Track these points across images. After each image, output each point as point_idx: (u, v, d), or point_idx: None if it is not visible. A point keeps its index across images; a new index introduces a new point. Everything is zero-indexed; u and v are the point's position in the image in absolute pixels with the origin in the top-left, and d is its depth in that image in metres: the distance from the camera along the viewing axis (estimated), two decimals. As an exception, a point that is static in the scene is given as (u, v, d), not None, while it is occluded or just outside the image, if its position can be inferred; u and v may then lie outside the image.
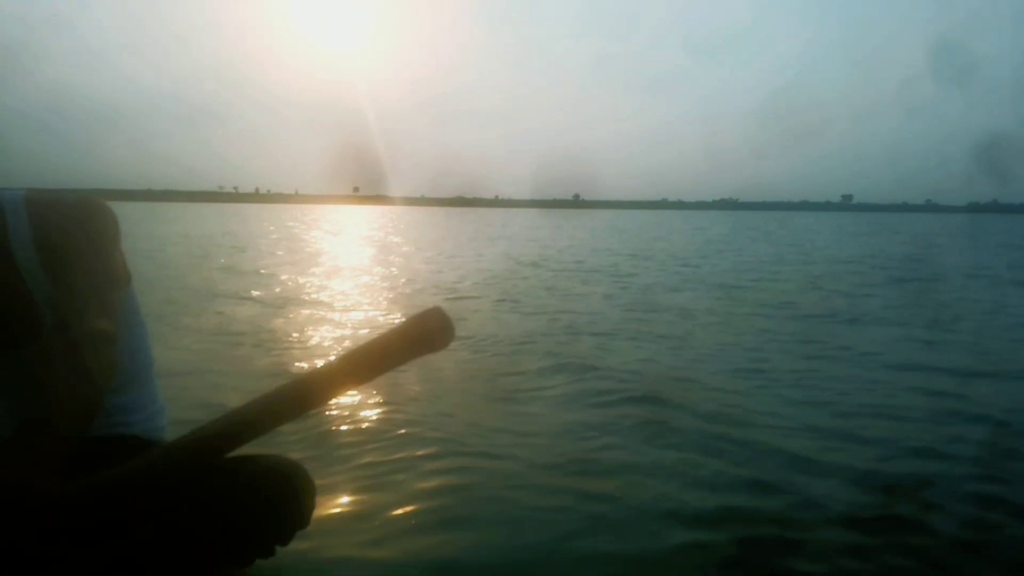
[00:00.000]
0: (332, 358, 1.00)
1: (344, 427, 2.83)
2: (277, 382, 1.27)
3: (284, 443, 2.57)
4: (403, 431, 2.79)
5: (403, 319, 1.15)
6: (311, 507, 1.35)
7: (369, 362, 1.14)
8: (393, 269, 11.91)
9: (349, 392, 0.96)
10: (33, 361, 1.24)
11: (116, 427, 1.37)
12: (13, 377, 1.28)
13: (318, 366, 1.02)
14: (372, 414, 3.01)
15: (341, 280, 9.69)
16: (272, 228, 35.64)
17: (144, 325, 1.48)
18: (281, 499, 1.29)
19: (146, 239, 21.94)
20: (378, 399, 3.20)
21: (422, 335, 1.13)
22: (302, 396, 1.16)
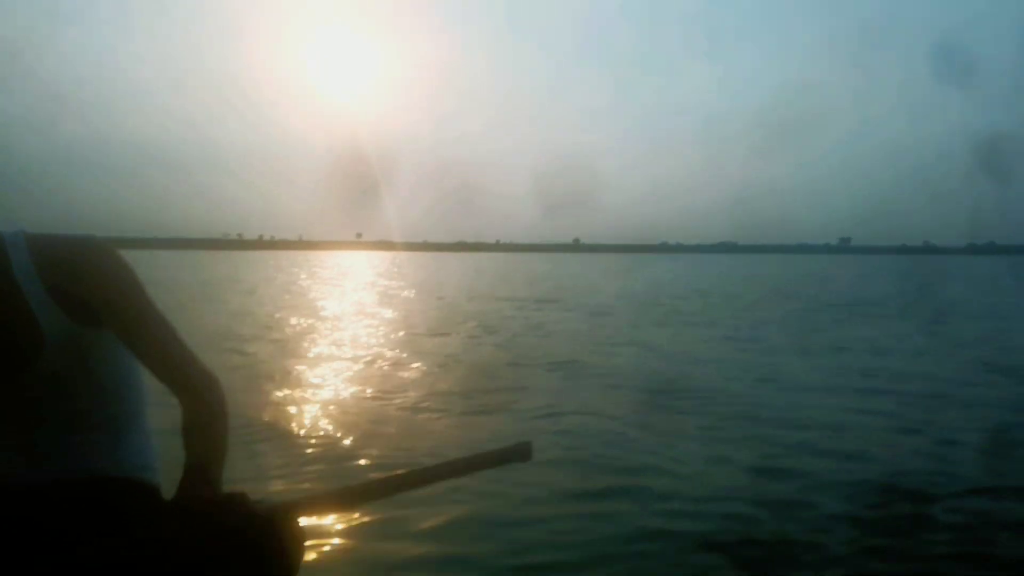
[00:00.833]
0: (442, 461, 1.44)
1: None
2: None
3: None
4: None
5: (496, 447, 1.50)
6: (301, 554, 1.34)
7: (464, 468, 1.46)
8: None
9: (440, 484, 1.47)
10: (37, 389, 1.25)
11: (110, 468, 1.34)
12: (13, 406, 1.27)
13: (429, 464, 1.43)
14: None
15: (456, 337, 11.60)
16: (302, 273, 38.15)
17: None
18: (270, 543, 1.28)
19: (207, 286, 25.04)
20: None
21: (507, 457, 1.49)
22: (413, 481, 1.42)
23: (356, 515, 3.50)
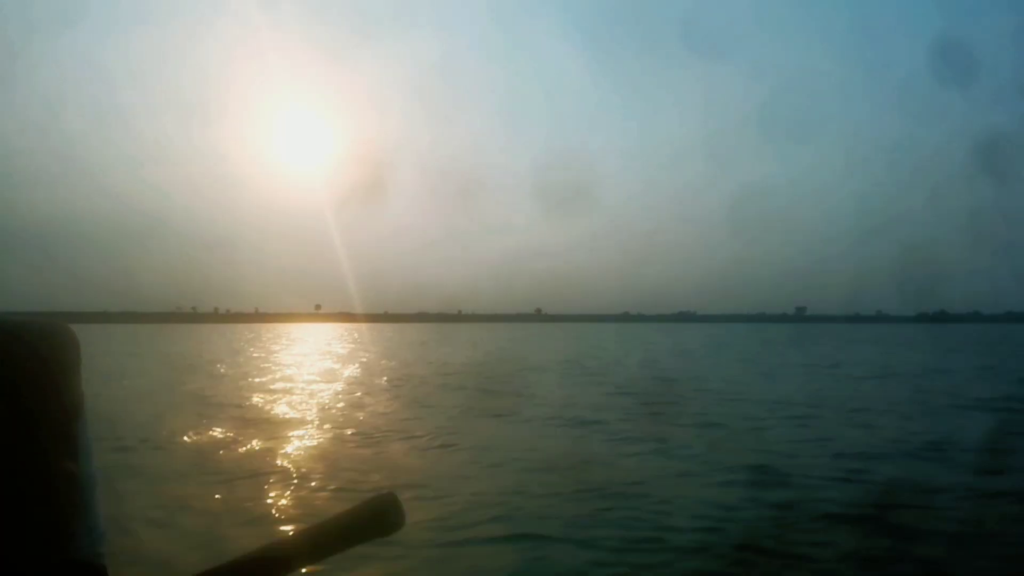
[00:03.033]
0: (286, 534, 1.14)
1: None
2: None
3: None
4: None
5: (357, 503, 1.16)
6: None
7: (320, 542, 1.16)
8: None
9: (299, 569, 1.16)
10: None
11: (60, 552, 1.26)
12: None
13: (275, 541, 1.12)
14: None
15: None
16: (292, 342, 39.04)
17: (90, 446, 1.37)
18: None
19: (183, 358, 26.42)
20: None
21: (373, 519, 1.16)
22: (260, 566, 1.15)
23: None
